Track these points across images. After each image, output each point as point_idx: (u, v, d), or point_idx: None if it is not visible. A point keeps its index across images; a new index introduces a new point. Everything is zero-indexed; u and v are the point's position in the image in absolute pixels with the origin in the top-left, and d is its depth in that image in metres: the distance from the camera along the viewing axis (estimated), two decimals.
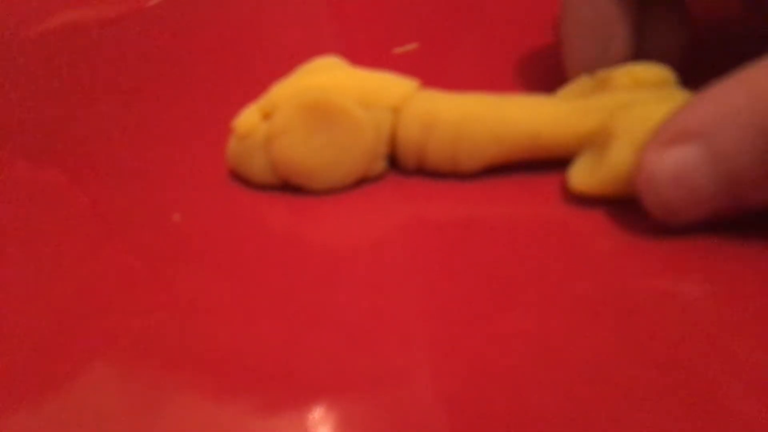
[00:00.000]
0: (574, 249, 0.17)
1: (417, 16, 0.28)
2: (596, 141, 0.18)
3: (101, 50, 0.29)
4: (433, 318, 0.16)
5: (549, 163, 0.19)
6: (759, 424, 0.13)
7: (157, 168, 0.21)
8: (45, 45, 0.30)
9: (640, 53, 0.20)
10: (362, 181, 0.19)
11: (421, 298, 0.16)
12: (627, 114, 0.17)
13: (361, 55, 0.25)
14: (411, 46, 0.26)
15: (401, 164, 0.20)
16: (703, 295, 0.15)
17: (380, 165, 0.19)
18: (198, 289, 0.17)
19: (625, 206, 0.17)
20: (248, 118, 0.19)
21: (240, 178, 0.20)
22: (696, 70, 0.18)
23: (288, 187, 0.19)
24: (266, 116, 0.19)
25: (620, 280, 0.16)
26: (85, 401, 0.15)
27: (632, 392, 0.13)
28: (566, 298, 0.16)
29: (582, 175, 0.18)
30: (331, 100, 0.18)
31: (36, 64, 0.28)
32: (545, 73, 0.23)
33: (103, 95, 0.26)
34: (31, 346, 0.16)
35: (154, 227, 0.19)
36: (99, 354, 0.16)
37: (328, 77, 0.19)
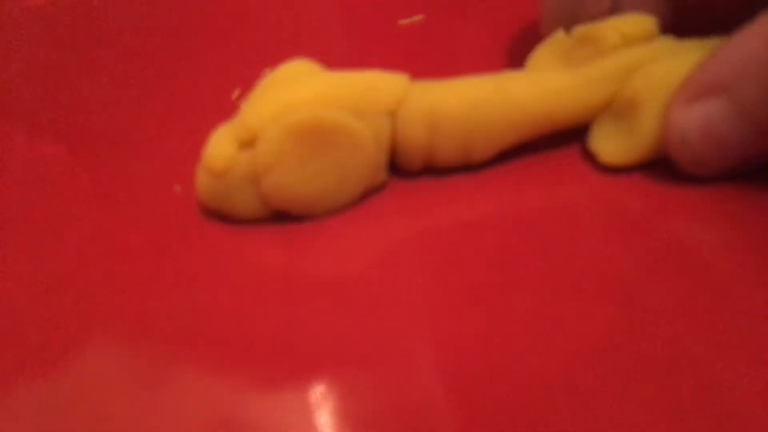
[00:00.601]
0: (573, 232, 0.17)
1: None
2: (616, 110, 0.17)
3: (102, 22, 0.29)
4: (436, 296, 0.16)
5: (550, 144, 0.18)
6: (761, 409, 0.13)
7: (158, 140, 0.21)
8: (45, 17, 0.29)
9: (617, 10, 0.19)
10: (365, 196, 0.18)
11: (424, 276, 0.16)
12: (644, 76, 0.17)
13: (366, 28, 0.25)
14: (416, 18, 0.26)
15: (405, 167, 0.18)
16: (709, 277, 0.15)
17: (383, 175, 0.18)
18: (199, 263, 0.17)
19: (626, 187, 0.17)
20: (222, 150, 0.16)
21: (218, 215, 0.17)
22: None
23: (279, 218, 0.17)
24: (244, 145, 0.16)
25: (622, 262, 0.16)
26: (86, 376, 0.15)
27: (634, 371, 0.13)
28: (568, 278, 0.16)
29: (613, 147, 0.17)
30: (324, 118, 0.16)
31: (36, 37, 0.28)
32: None
33: (104, 68, 0.25)
34: (32, 321, 0.16)
35: (155, 199, 0.19)
36: (100, 329, 0.15)
37: (308, 89, 0.16)
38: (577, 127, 0.18)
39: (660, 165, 0.17)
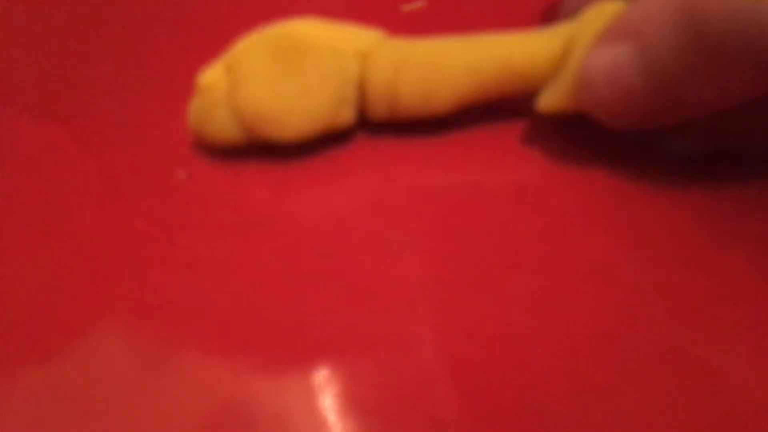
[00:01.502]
0: (554, 208, 0.17)
1: None
2: (561, 64, 0.18)
3: (104, 8, 0.29)
4: (436, 279, 0.16)
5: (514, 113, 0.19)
6: (757, 393, 0.13)
7: (161, 125, 0.21)
8: (47, 3, 0.29)
9: None
10: (332, 135, 0.19)
11: (424, 259, 0.16)
12: (582, 26, 0.17)
13: (369, 12, 0.25)
14: (419, 4, 0.26)
15: (371, 113, 0.19)
16: (707, 260, 0.15)
17: (347, 114, 0.19)
18: (203, 248, 0.17)
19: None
20: (211, 73, 0.19)
21: (203, 139, 0.19)
22: None
23: (252, 144, 0.19)
24: (228, 69, 0.18)
25: (619, 241, 0.16)
26: (91, 360, 0.15)
27: (635, 354, 0.14)
28: (567, 259, 0.16)
29: (546, 95, 0.18)
30: (298, 39, 0.18)
31: (39, 23, 0.28)
32: None
33: (107, 53, 0.25)
34: (37, 307, 0.16)
35: (159, 185, 0.19)
36: (105, 313, 0.16)
37: (293, 25, 0.18)
38: (531, 79, 0.18)
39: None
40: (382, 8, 0.26)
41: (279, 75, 0.18)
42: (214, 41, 0.20)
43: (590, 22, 0.17)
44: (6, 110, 0.23)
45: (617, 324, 0.14)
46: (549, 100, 0.18)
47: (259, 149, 0.19)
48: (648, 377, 0.13)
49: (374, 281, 0.16)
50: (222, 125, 0.18)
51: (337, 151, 0.19)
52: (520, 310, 0.15)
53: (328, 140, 0.19)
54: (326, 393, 0.14)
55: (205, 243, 0.17)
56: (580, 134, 0.19)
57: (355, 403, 0.13)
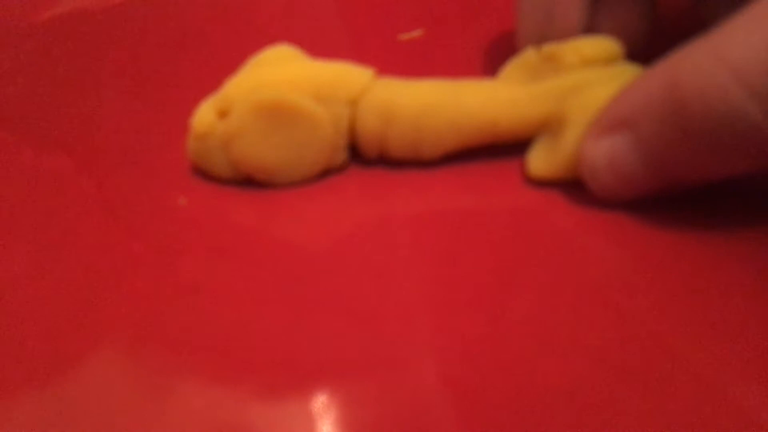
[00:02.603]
0: (551, 232, 0.17)
1: (423, 2, 0.28)
2: (551, 126, 0.18)
3: (107, 36, 0.29)
4: (435, 303, 0.16)
5: (506, 148, 0.19)
6: (759, 412, 0.13)
7: (162, 152, 0.21)
8: (51, 31, 0.30)
9: (594, 29, 0.20)
10: (326, 173, 0.20)
11: (422, 283, 0.16)
12: (578, 98, 0.18)
13: (366, 41, 0.25)
14: (416, 33, 0.26)
15: (363, 154, 0.20)
16: (705, 274, 0.16)
17: (342, 157, 0.19)
18: (203, 274, 0.17)
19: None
20: (204, 117, 0.19)
21: (203, 173, 0.20)
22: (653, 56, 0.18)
23: (252, 182, 0.19)
24: (222, 114, 0.19)
25: (615, 262, 0.16)
26: (89, 386, 0.15)
27: (634, 376, 0.14)
28: (565, 281, 0.16)
29: (539, 161, 0.18)
30: (286, 100, 0.18)
31: (42, 51, 0.28)
32: None
33: (109, 81, 0.26)
34: (37, 331, 0.16)
35: (160, 212, 0.19)
36: (104, 339, 0.16)
37: (280, 72, 0.19)
38: (517, 139, 0.19)
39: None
40: (380, 37, 0.26)
41: (271, 131, 0.18)
42: (216, 70, 0.20)
43: (578, 82, 0.18)
44: (8, 136, 0.23)
45: (617, 346, 0.14)
46: (542, 171, 0.18)
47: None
48: (652, 400, 0.13)
49: (373, 305, 0.16)
50: (220, 167, 0.19)
51: (330, 175, 0.20)
52: (520, 333, 0.15)
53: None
54: (326, 418, 0.14)
55: (205, 269, 0.17)
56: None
57: (355, 428, 0.13)
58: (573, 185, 0.18)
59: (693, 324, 0.15)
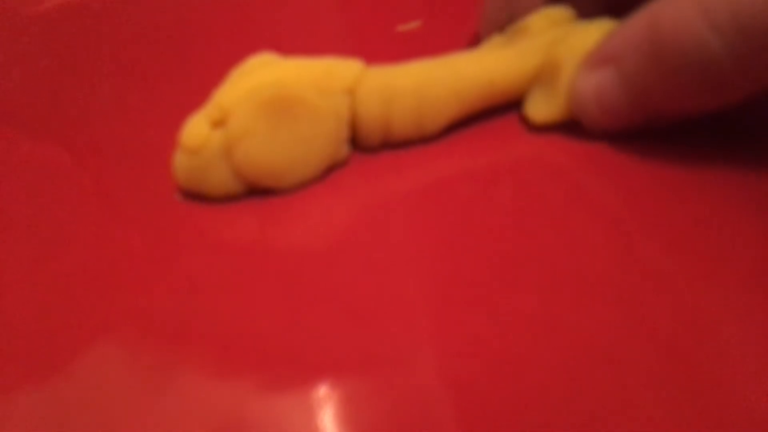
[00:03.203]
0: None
1: None
2: (543, 76, 0.19)
3: (102, 29, 0.29)
4: (435, 298, 0.16)
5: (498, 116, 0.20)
6: (759, 411, 0.13)
7: (159, 146, 0.21)
8: (46, 24, 0.30)
9: None
10: (329, 170, 0.19)
11: (422, 277, 0.16)
12: (566, 44, 0.19)
13: (364, 33, 0.25)
14: (414, 24, 0.26)
15: (364, 143, 0.20)
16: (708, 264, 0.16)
17: (345, 149, 0.19)
18: (201, 270, 0.17)
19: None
20: (196, 130, 0.18)
21: (196, 193, 0.19)
22: None
23: (252, 193, 0.19)
24: (216, 124, 0.18)
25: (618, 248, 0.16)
26: (88, 380, 0.15)
27: (636, 371, 0.13)
28: (568, 276, 0.16)
29: (539, 108, 0.19)
30: (288, 93, 0.18)
31: (39, 43, 0.28)
32: None
33: (105, 74, 0.26)
34: (35, 325, 0.16)
35: (157, 203, 0.19)
36: (102, 333, 0.16)
37: (275, 71, 0.18)
38: (514, 95, 0.20)
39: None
40: (378, 28, 0.26)
41: (274, 130, 0.18)
42: (214, 64, 0.20)
43: (560, 34, 0.19)
44: (5, 129, 0.23)
45: (622, 341, 0.14)
46: (543, 114, 0.19)
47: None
48: (653, 397, 0.13)
49: (372, 300, 0.16)
50: (219, 181, 0.18)
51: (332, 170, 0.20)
52: (521, 328, 0.15)
53: None
54: (325, 415, 0.14)
55: (203, 264, 0.17)
56: (577, 146, 0.19)
57: (354, 425, 0.13)
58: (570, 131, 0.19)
59: (699, 316, 0.15)
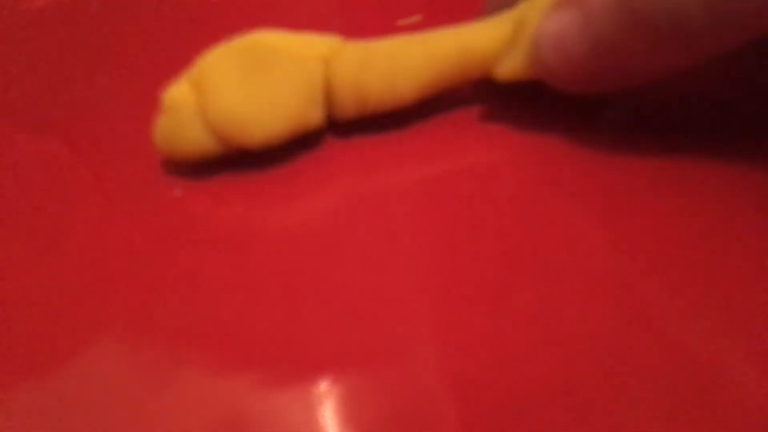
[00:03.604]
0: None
1: None
2: (514, 39, 0.19)
3: (99, 23, 0.29)
4: (434, 291, 0.16)
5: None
6: (759, 410, 0.13)
7: None
8: (43, 19, 0.30)
9: None
10: (302, 136, 0.19)
11: (419, 269, 0.16)
12: (534, 4, 0.19)
13: (364, 26, 0.25)
14: (415, 18, 0.26)
15: (339, 112, 0.20)
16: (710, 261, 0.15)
17: (316, 114, 0.19)
18: (200, 265, 0.17)
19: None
20: (177, 90, 0.19)
21: (170, 155, 0.19)
22: None
23: (224, 163, 0.19)
24: (195, 85, 0.19)
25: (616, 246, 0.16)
26: (88, 376, 0.15)
27: (637, 368, 0.13)
28: (568, 273, 0.16)
29: (505, 66, 0.19)
30: (261, 42, 0.19)
31: (37, 37, 0.28)
32: None
33: (103, 68, 0.26)
34: (34, 322, 0.16)
35: (156, 199, 0.19)
36: (102, 329, 0.16)
37: (257, 34, 0.19)
38: (488, 61, 0.19)
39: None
40: (379, 22, 0.26)
41: (247, 82, 0.18)
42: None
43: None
44: (3, 124, 0.23)
45: (624, 338, 0.14)
46: (506, 69, 0.19)
47: (235, 161, 0.19)
48: (655, 393, 0.13)
49: (371, 295, 0.16)
50: (194, 140, 0.19)
51: (315, 161, 0.20)
52: (522, 324, 0.14)
53: (301, 148, 0.20)
54: (326, 411, 0.14)
55: (202, 260, 0.17)
56: (564, 128, 0.19)
57: (354, 421, 0.13)
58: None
59: (696, 310, 0.15)
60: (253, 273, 0.16)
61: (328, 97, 0.19)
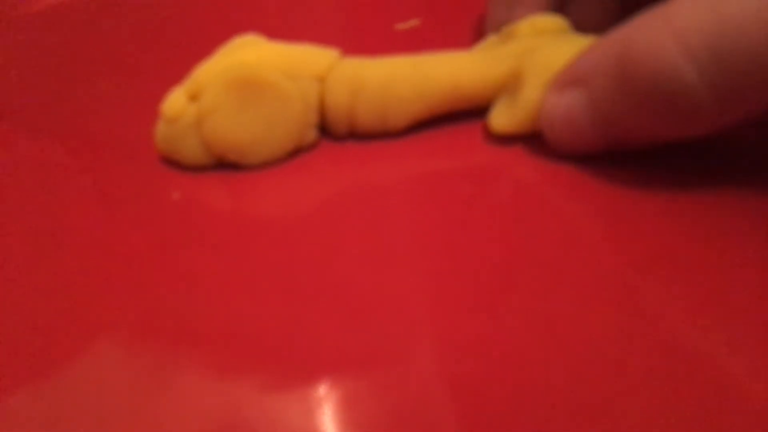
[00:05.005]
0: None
1: None
2: (509, 86, 0.20)
3: (98, 27, 0.29)
4: (434, 293, 0.16)
5: (467, 114, 0.20)
6: (759, 411, 0.13)
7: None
8: (45, 22, 0.30)
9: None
10: (297, 152, 0.20)
11: (419, 270, 0.16)
12: (533, 57, 0.19)
13: (363, 31, 0.25)
14: (413, 22, 0.26)
15: (332, 131, 0.20)
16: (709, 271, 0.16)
17: (312, 134, 0.20)
18: (198, 268, 0.17)
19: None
20: (175, 101, 0.19)
21: (171, 161, 0.20)
22: None
23: (222, 165, 0.20)
24: (193, 98, 0.19)
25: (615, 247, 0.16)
26: (88, 380, 0.15)
27: (637, 370, 0.13)
28: (567, 274, 0.16)
29: (500, 118, 0.19)
30: (258, 75, 0.19)
31: (35, 42, 0.28)
32: None
33: (103, 72, 0.26)
34: (34, 325, 0.16)
35: (156, 202, 0.19)
36: (102, 332, 0.15)
37: (251, 53, 0.19)
38: (479, 101, 0.20)
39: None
40: (377, 27, 0.26)
41: (243, 107, 0.19)
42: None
43: (532, 45, 0.19)
44: (3, 126, 0.23)
45: (622, 340, 0.14)
46: (504, 124, 0.19)
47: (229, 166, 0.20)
48: (653, 396, 0.13)
49: (370, 296, 0.16)
50: (191, 151, 0.19)
51: (314, 162, 0.20)
52: (521, 328, 0.14)
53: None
54: (324, 413, 0.14)
55: (202, 262, 0.17)
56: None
57: (353, 423, 0.13)
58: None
59: (698, 313, 0.15)
60: (252, 276, 0.17)
61: (322, 117, 0.20)
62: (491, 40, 0.21)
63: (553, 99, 0.18)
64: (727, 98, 0.15)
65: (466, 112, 0.20)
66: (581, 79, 0.17)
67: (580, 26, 0.21)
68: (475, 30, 0.25)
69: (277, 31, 0.20)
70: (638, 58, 0.16)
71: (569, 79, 0.18)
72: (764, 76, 0.14)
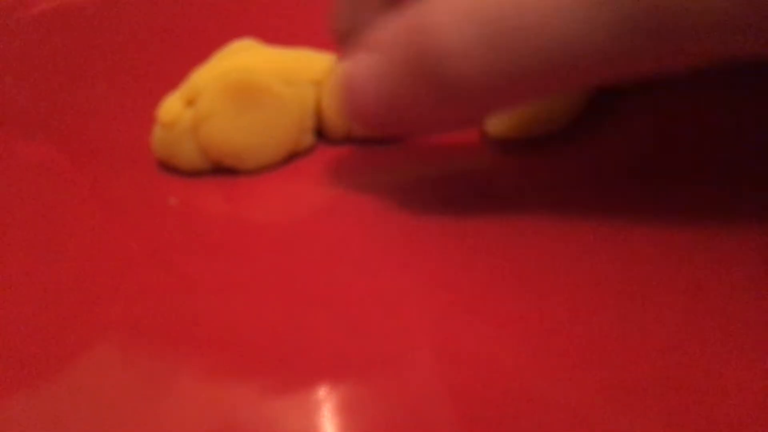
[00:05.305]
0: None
1: None
2: None
3: (98, 31, 0.29)
4: (433, 299, 0.16)
5: None
6: (759, 414, 0.13)
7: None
8: (42, 26, 0.30)
9: None
10: (294, 156, 0.20)
11: (418, 276, 0.16)
12: None
13: None
14: None
15: (329, 135, 0.20)
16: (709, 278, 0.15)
17: (309, 139, 0.20)
18: (196, 273, 0.17)
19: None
20: (171, 106, 0.19)
21: (168, 166, 0.20)
22: None
23: (218, 170, 0.20)
24: (189, 103, 0.19)
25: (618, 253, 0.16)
26: (85, 385, 0.14)
27: (636, 377, 0.13)
28: (568, 278, 0.16)
29: (496, 122, 0.19)
30: (254, 80, 0.19)
31: (33, 46, 0.28)
32: None
33: (101, 76, 0.26)
34: (30, 330, 0.16)
35: (154, 207, 0.19)
36: (99, 337, 0.15)
37: (248, 58, 0.19)
38: None
39: None
40: None
41: (240, 112, 0.19)
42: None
43: None
44: (1, 131, 0.23)
45: (622, 346, 0.14)
46: (500, 129, 0.19)
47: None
48: (649, 401, 0.13)
49: (369, 302, 0.16)
50: (188, 156, 0.19)
51: (312, 165, 0.20)
52: (521, 333, 0.14)
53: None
54: (323, 419, 0.14)
55: (200, 267, 0.17)
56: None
57: (352, 428, 0.13)
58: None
59: (693, 320, 0.14)
60: (250, 281, 0.16)
61: (319, 120, 0.20)
62: None
63: (347, 63, 0.17)
64: (498, 88, 0.15)
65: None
66: (376, 47, 0.16)
67: None
68: None
69: (273, 36, 0.20)
70: (427, 34, 0.15)
71: (369, 43, 0.16)
72: (539, 59, 0.14)
